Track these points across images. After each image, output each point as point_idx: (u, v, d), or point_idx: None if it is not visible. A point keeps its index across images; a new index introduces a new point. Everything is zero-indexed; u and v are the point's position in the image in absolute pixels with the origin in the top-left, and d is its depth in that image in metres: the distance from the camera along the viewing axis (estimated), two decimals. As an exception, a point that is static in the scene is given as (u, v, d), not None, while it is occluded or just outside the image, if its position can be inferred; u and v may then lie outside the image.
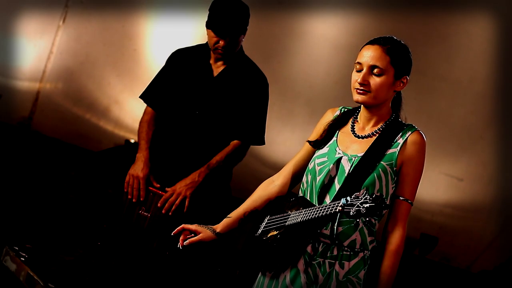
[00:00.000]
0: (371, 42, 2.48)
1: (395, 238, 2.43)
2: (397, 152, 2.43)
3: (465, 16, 5.69)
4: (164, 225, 3.47)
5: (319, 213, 2.31)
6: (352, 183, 2.40)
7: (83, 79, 6.06)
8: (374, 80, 2.42)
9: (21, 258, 3.55)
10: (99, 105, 6.05)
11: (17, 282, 3.50)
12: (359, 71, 2.44)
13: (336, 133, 2.56)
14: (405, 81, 2.48)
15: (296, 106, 5.93)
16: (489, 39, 5.67)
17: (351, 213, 2.14)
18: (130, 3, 6.05)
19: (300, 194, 2.58)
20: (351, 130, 2.54)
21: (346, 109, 2.63)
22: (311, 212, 2.35)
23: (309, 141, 2.63)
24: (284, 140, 5.92)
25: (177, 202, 3.46)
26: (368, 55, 2.43)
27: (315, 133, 2.64)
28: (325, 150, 2.54)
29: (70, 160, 5.70)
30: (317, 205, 2.46)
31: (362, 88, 2.42)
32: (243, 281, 3.39)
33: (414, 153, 2.43)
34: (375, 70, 2.42)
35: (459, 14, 5.69)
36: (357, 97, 2.44)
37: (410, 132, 2.45)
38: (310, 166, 2.54)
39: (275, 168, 6.13)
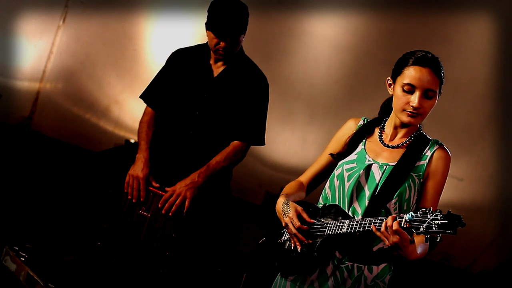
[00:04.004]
0: (420, 64, 2.43)
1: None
2: (425, 165, 2.46)
3: (465, 16, 5.70)
4: (164, 226, 3.47)
5: (375, 225, 2.29)
6: (386, 191, 2.43)
7: (83, 79, 6.06)
8: (427, 103, 2.43)
9: (21, 258, 3.55)
10: (99, 105, 6.05)
11: (17, 282, 3.50)
12: (409, 92, 2.43)
13: (364, 142, 2.58)
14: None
15: (296, 106, 5.93)
16: (489, 39, 5.67)
17: (421, 229, 2.12)
18: (130, 3, 6.05)
19: (321, 200, 2.60)
20: (379, 139, 2.56)
21: (369, 119, 2.65)
22: (362, 224, 2.34)
23: (331, 155, 2.63)
24: (284, 140, 5.92)
25: (177, 202, 3.46)
26: (424, 79, 2.41)
27: (335, 143, 2.65)
28: (353, 157, 2.55)
29: (70, 160, 5.71)
30: (346, 210, 2.48)
31: (416, 112, 2.43)
32: (250, 282, 3.40)
33: (439, 167, 2.46)
34: (429, 93, 2.43)
35: (459, 14, 5.70)
36: (408, 119, 2.45)
37: (437, 147, 2.49)
38: (337, 172, 2.55)
39: (275, 168, 6.15)
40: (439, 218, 2.09)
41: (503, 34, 5.63)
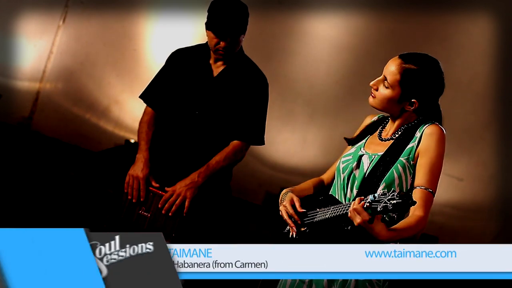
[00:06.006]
0: (400, 55, 2.53)
1: (413, 217, 2.40)
2: (415, 146, 2.49)
3: (465, 16, 5.70)
4: (164, 226, 3.47)
5: (346, 209, 2.36)
6: (371, 179, 2.48)
7: (83, 79, 6.06)
8: (381, 90, 2.52)
9: (21, 258, 3.54)
10: (99, 105, 6.05)
11: (17, 282, 3.49)
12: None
13: (367, 138, 2.65)
14: (415, 104, 2.52)
15: (296, 106, 5.93)
16: (489, 39, 5.67)
17: (378, 209, 2.21)
18: (130, 3, 6.05)
19: (331, 191, 2.67)
20: (378, 135, 2.63)
21: (382, 117, 2.70)
22: (338, 209, 2.41)
23: (346, 138, 2.72)
24: (284, 140, 5.92)
25: (177, 202, 3.46)
26: (388, 65, 2.52)
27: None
28: (352, 150, 2.64)
29: (70, 160, 5.70)
30: (342, 201, 2.54)
31: (372, 91, 2.53)
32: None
33: (430, 143, 2.48)
34: (385, 83, 2.50)
35: (459, 14, 5.70)
36: (369, 97, 2.56)
37: (426, 125, 2.52)
38: (337, 164, 2.66)
39: (275, 168, 6.15)
40: (395, 197, 2.17)
41: (503, 34, 5.63)
